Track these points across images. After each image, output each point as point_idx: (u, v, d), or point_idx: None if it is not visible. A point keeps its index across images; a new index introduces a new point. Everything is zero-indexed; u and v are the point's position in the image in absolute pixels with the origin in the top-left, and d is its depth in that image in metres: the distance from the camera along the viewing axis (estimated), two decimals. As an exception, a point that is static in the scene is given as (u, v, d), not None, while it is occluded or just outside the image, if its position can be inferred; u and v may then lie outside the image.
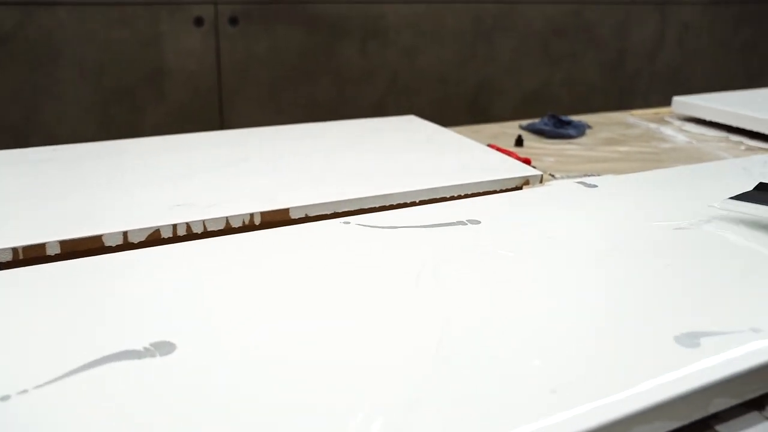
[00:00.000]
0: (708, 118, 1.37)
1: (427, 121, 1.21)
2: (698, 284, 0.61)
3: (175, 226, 0.73)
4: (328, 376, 0.46)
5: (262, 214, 0.76)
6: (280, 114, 2.12)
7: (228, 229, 0.75)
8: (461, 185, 0.86)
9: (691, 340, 0.52)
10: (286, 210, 0.78)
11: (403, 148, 1.03)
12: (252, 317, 0.53)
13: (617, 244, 0.68)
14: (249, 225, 0.76)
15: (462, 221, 0.73)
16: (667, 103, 1.49)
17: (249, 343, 0.50)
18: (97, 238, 0.70)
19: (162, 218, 0.73)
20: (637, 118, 1.46)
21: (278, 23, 2.07)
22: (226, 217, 0.75)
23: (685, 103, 1.43)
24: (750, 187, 0.81)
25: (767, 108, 1.38)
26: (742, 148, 1.22)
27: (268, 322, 0.53)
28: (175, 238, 0.73)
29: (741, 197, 0.72)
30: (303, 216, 0.78)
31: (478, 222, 0.73)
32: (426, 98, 2.29)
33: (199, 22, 1.96)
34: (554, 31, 2.39)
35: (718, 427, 0.50)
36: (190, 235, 0.73)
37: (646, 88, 2.59)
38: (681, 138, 1.29)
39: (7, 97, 1.84)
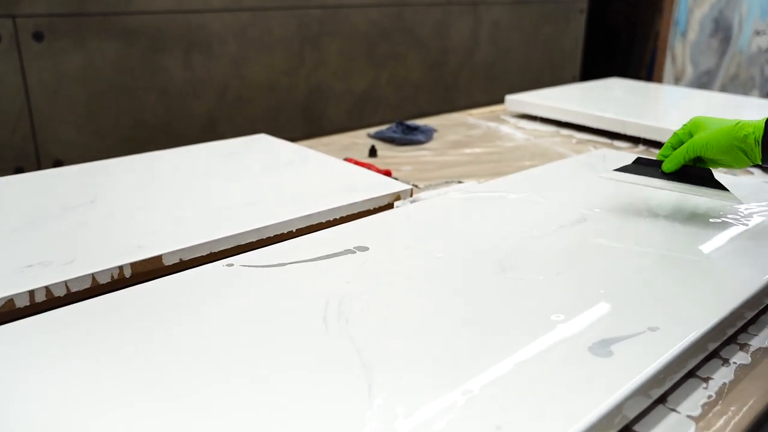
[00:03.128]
0: (540, 114, 1.47)
1: (278, 139, 1.17)
2: (592, 290, 0.64)
3: (32, 292, 0.63)
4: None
5: (132, 265, 0.69)
6: (102, 137, 1.96)
7: (95, 287, 0.67)
8: (337, 208, 0.84)
9: (603, 349, 0.54)
10: (159, 257, 0.71)
11: (264, 172, 0.99)
12: (134, 399, 0.48)
13: (507, 256, 0.70)
14: (119, 279, 0.68)
15: (350, 249, 0.72)
16: (487, 97, 1.57)
17: None
18: (-64, 320, 0.59)
19: (14, 284, 0.64)
20: (475, 118, 1.53)
21: (90, 37, 1.90)
22: (92, 274, 0.67)
23: (517, 101, 1.52)
24: (600, 180, 0.88)
25: (587, 102, 1.51)
26: (574, 141, 1.32)
27: (152, 402, 0.47)
28: (33, 306, 0.64)
29: (622, 169, 0.85)
30: (177, 261, 0.72)
31: (366, 248, 0.72)
32: (258, 108, 2.23)
33: (-5, 40, 1.74)
34: (379, 33, 2.43)
35: (635, 427, 0.53)
36: (51, 300, 0.65)
37: (467, 83, 2.73)
38: (520, 136, 1.37)
39: None
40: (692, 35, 3.23)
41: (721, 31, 3.28)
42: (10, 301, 0.62)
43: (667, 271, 0.69)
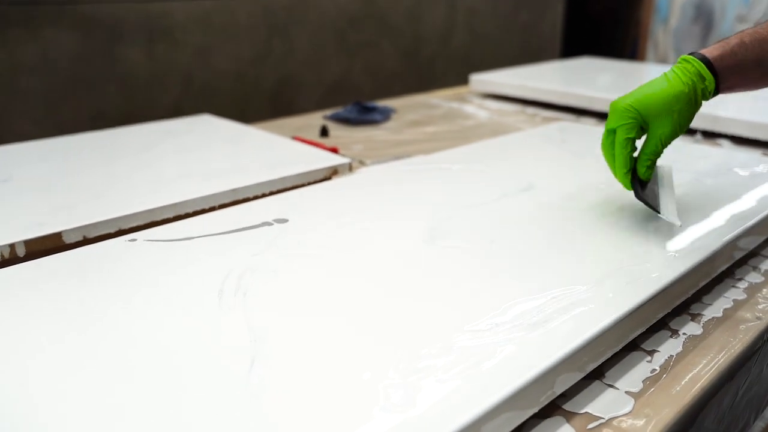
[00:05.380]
0: (504, 92, 1.40)
1: (223, 119, 1.11)
2: (528, 257, 0.58)
3: None
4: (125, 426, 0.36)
5: (26, 243, 0.63)
6: (62, 131, 1.88)
7: (-18, 267, 0.60)
8: (264, 183, 0.78)
9: (534, 318, 0.48)
10: (58, 234, 0.65)
11: (199, 150, 0.93)
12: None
13: (440, 224, 0.64)
14: (10, 258, 0.62)
15: (268, 222, 0.65)
16: (464, 83, 1.51)
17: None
18: None
19: None
20: (439, 98, 1.47)
21: (45, 27, 1.83)
22: (-24, 252, 0.60)
23: (481, 80, 1.46)
24: (553, 151, 0.82)
25: (555, 80, 1.45)
26: (539, 119, 1.26)
27: (37, 374, 0.41)
28: None
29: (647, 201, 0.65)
30: (80, 239, 0.66)
31: (285, 221, 0.66)
32: (225, 98, 2.16)
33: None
34: (349, 20, 2.37)
35: (564, 406, 0.47)
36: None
37: (443, 71, 2.67)
38: (483, 114, 1.30)
39: None
40: (674, 21, 3.18)
41: (703, 16, 3.23)
42: None
43: (611, 237, 0.63)
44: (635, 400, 0.47)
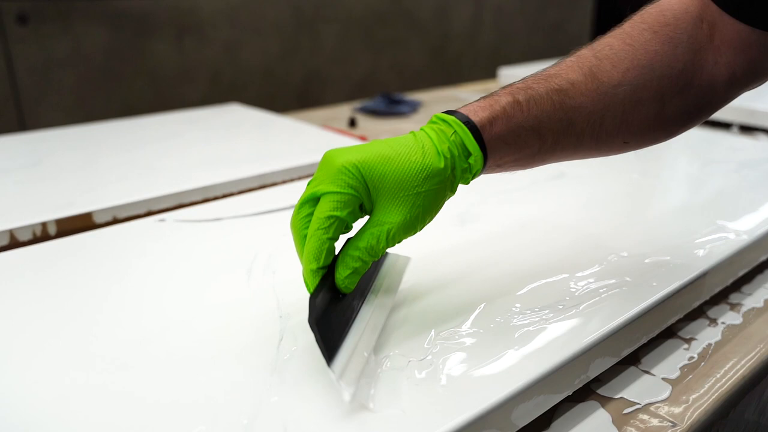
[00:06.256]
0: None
1: (252, 108, 1.11)
2: (559, 241, 0.57)
3: (-61, 247, 0.58)
4: (156, 397, 0.36)
5: (58, 222, 0.63)
6: (92, 122, 1.91)
7: (14, 245, 0.61)
8: (293, 168, 0.77)
9: (567, 302, 0.47)
10: (88, 215, 0.65)
11: (227, 137, 0.93)
12: (37, 344, 0.42)
13: (466, 212, 0.63)
14: (41, 237, 0.62)
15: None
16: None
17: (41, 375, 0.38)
18: None
19: None
20: (467, 92, 1.46)
21: (77, 21, 1.86)
22: (10, 231, 0.61)
23: (510, 74, 1.44)
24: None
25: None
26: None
27: (68, 346, 0.41)
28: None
29: (329, 351, 0.37)
30: (110, 219, 0.66)
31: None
32: (252, 94, 2.17)
33: (-21, 23, 1.71)
34: (377, 17, 2.37)
35: (599, 391, 0.46)
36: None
37: (469, 69, 2.66)
38: (511, 108, 1.29)
39: None
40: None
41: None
42: None
43: (648, 224, 0.61)
44: (672, 387, 0.46)
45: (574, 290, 0.48)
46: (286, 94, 2.27)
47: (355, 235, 0.40)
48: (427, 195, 0.40)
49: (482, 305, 0.46)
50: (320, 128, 0.97)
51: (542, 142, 0.43)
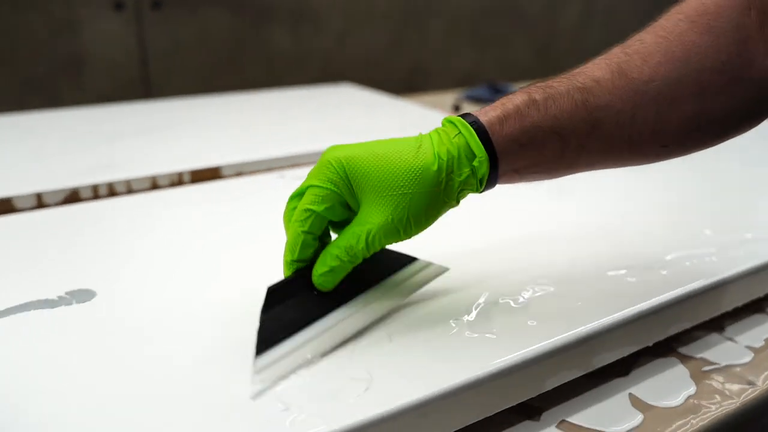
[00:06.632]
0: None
1: (363, 88, 1.18)
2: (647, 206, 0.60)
3: (95, 186, 0.67)
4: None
5: (192, 173, 0.71)
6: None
7: (154, 188, 0.69)
8: (401, 140, 0.83)
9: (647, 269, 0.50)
10: (217, 168, 0.73)
11: (338, 111, 1.00)
12: (176, 269, 0.49)
13: (561, 186, 0.67)
14: (177, 184, 0.71)
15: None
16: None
17: (168, 296, 0.45)
18: (7, 202, 0.63)
19: (79, 179, 0.67)
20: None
21: (203, 7, 1.99)
22: (152, 177, 0.69)
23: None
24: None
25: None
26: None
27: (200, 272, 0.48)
28: (97, 199, 0.67)
29: (265, 342, 0.37)
30: (235, 174, 0.74)
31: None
32: (358, 82, 2.26)
33: (118, 6, 1.87)
34: (484, 13, 2.40)
35: (680, 350, 0.48)
36: (114, 196, 0.68)
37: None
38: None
39: None
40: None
41: None
42: (74, 192, 0.66)
43: (738, 204, 0.63)
44: (755, 354, 0.48)
45: (669, 259, 0.51)
46: (390, 84, 2.33)
47: (341, 232, 0.39)
48: (414, 197, 0.38)
49: (588, 264, 0.50)
50: (426, 108, 1.02)
51: (564, 144, 0.39)
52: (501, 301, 0.44)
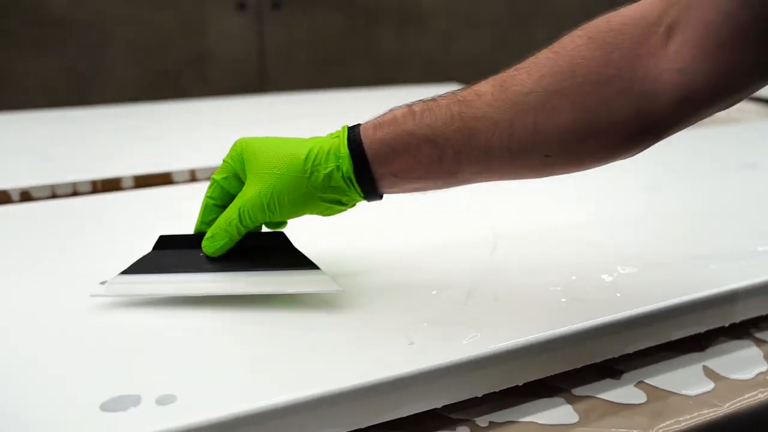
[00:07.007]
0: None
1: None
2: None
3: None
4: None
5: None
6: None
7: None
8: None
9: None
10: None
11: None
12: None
13: (656, 180, 0.72)
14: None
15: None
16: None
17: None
18: (167, 175, 0.76)
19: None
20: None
21: (318, 8, 2.11)
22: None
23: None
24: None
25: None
26: None
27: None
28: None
29: (132, 269, 0.47)
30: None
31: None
32: (459, 84, 2.32)
33: (242, 6, 2.01)
34: (590, 18, 2.40)
35: (757, 334, 0.53)
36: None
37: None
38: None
39: (59, 79, 1.91)
40: None
41: None
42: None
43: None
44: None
45: (719, 251, 0.56)
46: (491, 86, 2.38)
47: None
48: (281, 178, 0.43)
49: (650, 250, 0.56)
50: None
51: (441, 152, 0.42)
52: (593, 276, 0.50)
